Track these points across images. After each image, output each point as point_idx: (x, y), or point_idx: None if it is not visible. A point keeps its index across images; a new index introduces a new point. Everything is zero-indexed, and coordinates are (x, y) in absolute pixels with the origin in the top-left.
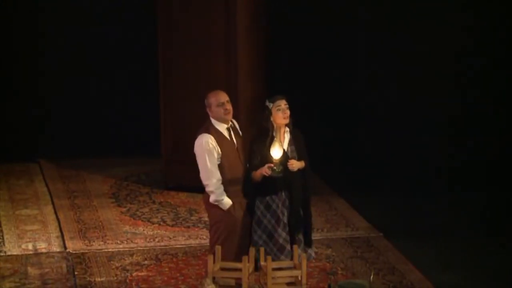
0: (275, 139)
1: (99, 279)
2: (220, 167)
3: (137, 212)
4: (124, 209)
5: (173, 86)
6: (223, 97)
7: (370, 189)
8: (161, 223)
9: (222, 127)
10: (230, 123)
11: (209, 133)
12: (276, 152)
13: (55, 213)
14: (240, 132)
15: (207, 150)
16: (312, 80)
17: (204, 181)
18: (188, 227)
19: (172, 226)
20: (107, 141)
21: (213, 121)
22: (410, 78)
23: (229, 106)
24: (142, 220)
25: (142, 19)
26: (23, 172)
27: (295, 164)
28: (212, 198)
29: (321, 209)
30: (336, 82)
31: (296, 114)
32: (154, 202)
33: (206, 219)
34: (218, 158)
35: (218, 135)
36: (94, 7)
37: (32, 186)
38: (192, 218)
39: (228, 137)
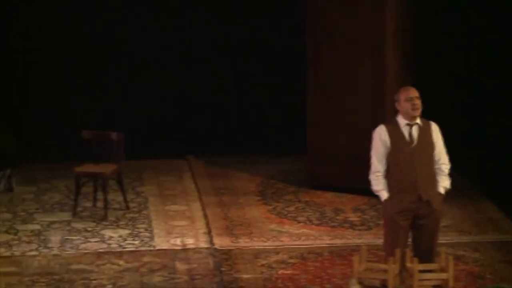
0: None
1: (245, 276)
2: (388, 161)
3: (283, 211)
4: (270, 207)
5: (321, 86)
6: (413, 92)
7: None
8: (307, 222)
9: (402, 122)
10: (417, 120)
11: (385, 125)
12: None
13: (203, 209)
14: (435, 136)
15: (375, 141)
16: (462, 78)
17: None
18: (334, 226)
19: (318, 225)
20: (254, 138)
21: (399, 115)
22: None
23: (417, 102)
24: (288, 219)
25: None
26: (173, 168)
27: None
28: (371, 186)
29: (468, 212)
30: (487, 81)
31: (444, 114)
32: (300, 201)
33: (352, 219)
34: (386, 151)
35: (395, 129)
36: None
37: (181, 183)
38: (338, 217)
39: (406, 133)
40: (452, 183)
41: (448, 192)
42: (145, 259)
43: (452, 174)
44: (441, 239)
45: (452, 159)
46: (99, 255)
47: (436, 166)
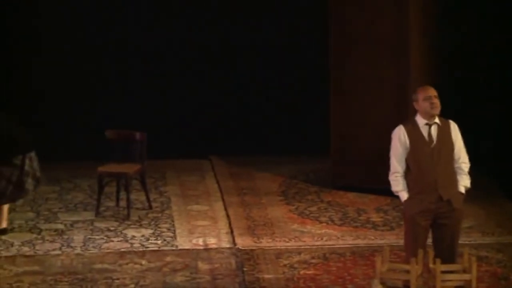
0: None
1: (267, 276)
2: (407, 161)
3: (305, 211)
4: (292, 207)
5: (344, 87)
6: (431, 91)
7: None
8: (329, 222)
9: (421, 122)
10: (436, 119)
11: (404, 125)
12: None
13: (225, 209)
14: (454, 134)
15: (394, 142)
16: (484, 76)
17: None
18: (356, 227)
19: (340, 225)
20: (276, 139)
21: (417, 115)
22: None
23: (436, 101)
24: (310, 219)
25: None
26: (195, 168)
27: None
28: (391, 187)
29: (492, 212)
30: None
31: (468, 112)
32: (322, 201)
33: (374, 219)
34: (405, 152)
35: (414, 129)
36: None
37: (204, 183)
38: (361, 218)
39: (425, 133)
40: (475, 184)
41: (471, 193)
42: (168, 258)
43: (475, 174)
44: (464, 240)
45: (475, 159)
46: (121, 254)
47: (456, 165)
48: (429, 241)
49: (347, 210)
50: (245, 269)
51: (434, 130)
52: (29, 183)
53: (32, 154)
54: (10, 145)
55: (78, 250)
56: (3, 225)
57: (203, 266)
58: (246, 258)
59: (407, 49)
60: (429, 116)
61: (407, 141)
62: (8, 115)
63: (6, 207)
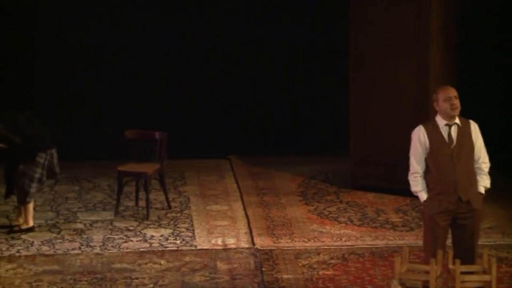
0: None
1: (286, 276)
2: (427, 162)
3: (324, 211)
4: (311, 208)
5: (363, 86)
6: (452, 92)
7: None
8: (348, 222)
9: (441, 122)
10: (456, 120)
11: (424, 125)
12: None
13: (244, 209)
14: (474, 135)
15: (414, 142)
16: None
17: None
18: (375, 227)
19: (359, 226)
20: (295, 139)
21: (437, 115)
22: None
23: (456, 102)
24: (329, 219)
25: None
26: (214, 168)
27: None
28: (410, 187)
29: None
30: None
31: (488, 111)
32: (341, 202)
33: (394, 220)
34: (425, 152)
35: (434, 130)
36: None
37: (223, 182)
38: (380, 218)
39: (445, 134)
40: (496, 184)
41: (491, 193)
42: (187, 258)
43: (495, 174)
44: (484, 241)
45: (495, 159)
46: (141, 254)
47: (476, 165)
48: (449, 241)
49: (366, 211)
50: (264, 269)
51: (454, 130)
52: (44, 175)
53: (53, 150)
54: (33, 144)
55: (98, 250)
56: (30, 223)
57: (222, 266)
58: (265, 258)
59: (427, 49)
60: (449, 117)
61: (427, 142)
62: (29, 115)
63: (31, 206)
